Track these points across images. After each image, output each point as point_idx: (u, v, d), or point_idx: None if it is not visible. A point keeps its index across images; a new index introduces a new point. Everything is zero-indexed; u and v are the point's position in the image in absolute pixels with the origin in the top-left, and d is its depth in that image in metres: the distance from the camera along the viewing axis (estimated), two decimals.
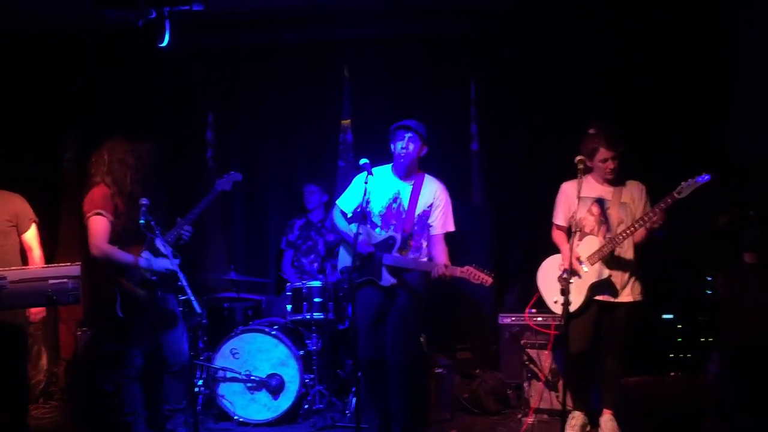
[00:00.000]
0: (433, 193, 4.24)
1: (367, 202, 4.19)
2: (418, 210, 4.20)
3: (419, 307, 4.21)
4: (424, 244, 4.25)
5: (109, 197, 4.11)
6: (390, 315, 4.15)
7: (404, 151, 4.17)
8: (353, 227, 4.25)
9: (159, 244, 4.05)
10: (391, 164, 4.29)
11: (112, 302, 4.08)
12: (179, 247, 4.24)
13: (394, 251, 4.13)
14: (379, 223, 4.22)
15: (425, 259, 4.21)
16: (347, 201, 4.37)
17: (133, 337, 4.19)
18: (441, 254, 4.17)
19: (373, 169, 4.20)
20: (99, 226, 4.04)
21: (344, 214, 4.36)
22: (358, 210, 4.26)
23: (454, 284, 5.42)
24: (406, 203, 4.20)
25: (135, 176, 4.14)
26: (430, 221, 4.23)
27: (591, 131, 4.22)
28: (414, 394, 4.25)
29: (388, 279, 4.12)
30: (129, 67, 6.04)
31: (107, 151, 4.21)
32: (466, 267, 3.98)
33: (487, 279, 3.95)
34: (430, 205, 4.22)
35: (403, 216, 4.18)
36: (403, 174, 4.24)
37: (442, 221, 4.23)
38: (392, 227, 4.19)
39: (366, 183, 4.02)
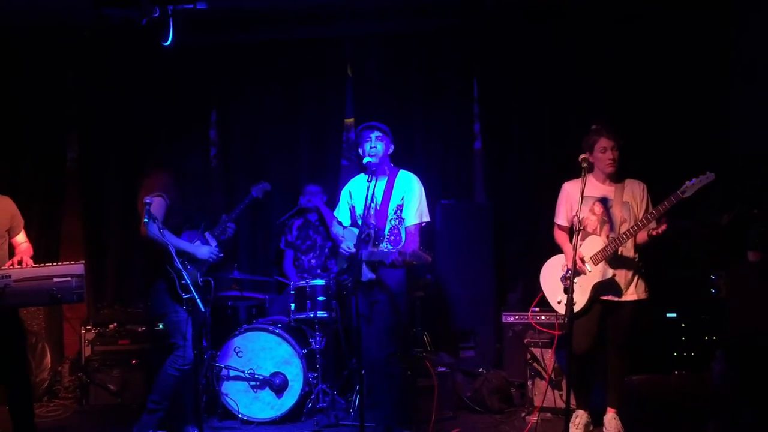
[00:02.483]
0: (405, 185, 4.28)
1: (354, 207, 4.33)
2: (392, 204, 4.24)
3: (397, 301, 4.21)
4: (403, 237, 4.28)
5: (171, 184, 4.24)
6: (372, 310, 4.20)
7: (373, 150, 4.21)
8: (345, 232, 4.37)
9: (208, 236, 4.43)
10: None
11: (172, 284, 4.16)
12: (222, 242, 4.56)
13: (370, 246, 4.18)
14: (361, 224, 4.25)
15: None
16: (340, 213, 4.48)
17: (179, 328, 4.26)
18: (410, 245, 4.19)
19: (354, 179, 4.34)
20: (157, 207, 4.14)
21: (341, 224, 4.47)
22: (357, 212, 4.34)
23: (455, 282, 5.52)
24: (380, 199, 4.25)
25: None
26: (403, 214, 4.26)
27: (593, 127, 4.27)
28: (397, 388, 4.26)
29: (366, 274, 4.17)
30: (132, 65, 6.05)
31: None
32: (412, 250, 4.01)
33: (427, 257, 3.95)
34: (403, 198, 4.26)
35: (379, 211, 4.24)
36: (376, 173, 4.26)
37: (415, 213, 4.26)
38: (371, 225, 4.23)
39: (369, 182, 4.04)
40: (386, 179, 4.30)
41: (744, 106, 5.40)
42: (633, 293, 4.22)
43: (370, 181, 4.06)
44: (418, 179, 4.35)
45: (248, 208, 4.87)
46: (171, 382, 4.25)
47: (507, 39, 5.94)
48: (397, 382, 4.26)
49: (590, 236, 4.24)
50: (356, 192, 4.38)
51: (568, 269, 4.26)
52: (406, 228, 4.25)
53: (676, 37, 5.59)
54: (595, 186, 4.28)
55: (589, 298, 4.19)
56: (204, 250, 4.43)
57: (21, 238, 4.40)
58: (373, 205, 4.22)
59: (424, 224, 4.30)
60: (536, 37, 5.87)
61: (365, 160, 4.20)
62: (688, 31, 5.57)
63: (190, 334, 4.20)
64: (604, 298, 4.22)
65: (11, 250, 4.34)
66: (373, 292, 4.20)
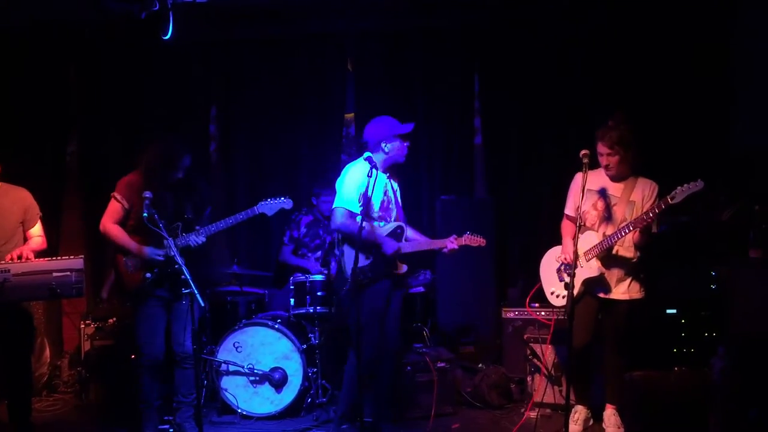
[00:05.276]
0: (396, 181, 4.40)
1: (369, 198, 4.16)
2: (399, 198, 4.36)
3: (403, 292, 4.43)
4: None
5: (134, 186, 4.18)
6: (393, 300, 4.21)
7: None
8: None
9: (169, 245, 4.01)
10: (362, 160, 4.19)
11: (103, 284, 4.28)
12: (185, 250, 4.21)
13: (403, 240, 4.24)
14: (377, 218, 4.23)
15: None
16: (355, 200, 4.14)
17: (135, 324, 4.26)
18: (418, 232, 4.41)
19: (357, 171, 4.17)
20: (111, 206, 4.26)
21: (352, 215, 4.11)
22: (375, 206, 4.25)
23: (455, 278, 5.51)
24: (392, 195, 4.32)
25: (167, 172, 4.26)
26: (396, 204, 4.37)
27: (609, 122, 4.09)
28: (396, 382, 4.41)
29: (403, 267, 4.25)
30: (132, 60, 6.04)
31: (154, 142, 4.40)
32: (465, 236, 4.25)
33: (482, 241, 4.26)
34: (396, 191, 4.38)
35: (393, 206, 4.31)
36: (386, 169, 4.28)
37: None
38: (392, 219, 4.27)
39: (369, 176, 3.99)
40: (388, 174, 4.29)
41: (746, 102, 5.39)
42: (626, 293, 4.16)
43: (370, 175, 3.99)
44: None
45: (243, 223, 4.44)
46: (146, 380, 4.28)
47: (509, 34, 5.93)
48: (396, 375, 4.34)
49: (587, 231, 4.21)
50: (366, 186, 4.10)
51: (561, 263, 4.29)
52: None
53: (677, 36, 5.58)
54: (604, 181, 4.21)
55: (579, 292, 4.14)
56: (152, 251, 4.17)
57: (35, 231, 4.42)
58: (384, 199, 4.26)
59: None
60: (538, 33, 5.86)
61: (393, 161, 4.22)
62: (688, 30, 5.56)
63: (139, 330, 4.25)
64: (596, 294, 4.19)
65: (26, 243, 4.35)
66: (401, 282, 4.30)
